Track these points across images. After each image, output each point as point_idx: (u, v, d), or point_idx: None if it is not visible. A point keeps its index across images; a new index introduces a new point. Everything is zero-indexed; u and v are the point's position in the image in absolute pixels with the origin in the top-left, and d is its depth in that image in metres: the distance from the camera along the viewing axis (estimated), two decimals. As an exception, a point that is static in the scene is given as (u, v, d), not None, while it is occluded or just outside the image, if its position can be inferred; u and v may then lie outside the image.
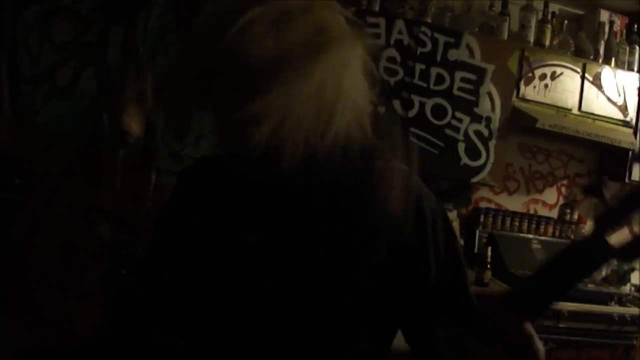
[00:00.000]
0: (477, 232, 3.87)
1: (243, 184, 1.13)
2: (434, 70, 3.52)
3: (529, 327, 0.97)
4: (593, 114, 3.89)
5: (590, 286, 3.56)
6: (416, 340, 1.16)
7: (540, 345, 0.98)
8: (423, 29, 3.50)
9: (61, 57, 3.35)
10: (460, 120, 3.57)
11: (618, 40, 4.01)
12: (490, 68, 3.62)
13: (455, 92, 3.56)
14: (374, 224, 1.07)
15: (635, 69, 3.96)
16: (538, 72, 3.75)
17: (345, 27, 1.08)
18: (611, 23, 4.01)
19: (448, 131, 3.55)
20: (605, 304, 3.50)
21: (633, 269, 3.94)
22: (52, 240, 3.14)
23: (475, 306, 1.12)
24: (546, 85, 3.77)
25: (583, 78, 3.85)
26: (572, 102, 3.85)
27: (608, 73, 3.90)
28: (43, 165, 3.21)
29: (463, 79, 3.57)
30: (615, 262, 3.80)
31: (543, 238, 3.98)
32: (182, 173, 1.27)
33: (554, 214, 4.17)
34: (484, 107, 3.62)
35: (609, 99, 3.91)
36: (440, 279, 1.10)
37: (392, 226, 1.07)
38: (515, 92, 3.72)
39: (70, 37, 3.35)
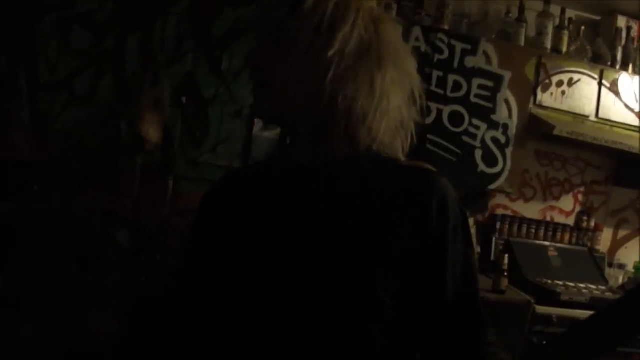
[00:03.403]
0: (494, 239, 3.85)
1: (275, 184, 1.17)
2: (451, 77, 3.51)
3: None
4: (610, 121, 3.87)
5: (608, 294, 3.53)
6: (425, 346, 1.16)
7: None
8: (440, 35, 3.50)
9: (79, 64, 3.37)
10: (477, 127, 3.56)
11: (635, 46, 3.99)
12: (507, 75, 3.61)
13: (473, 99, 3.55)
14: (398, 223, 1.07)
15: (653, 75, 3.94)
16: (555, 79, 3.73)
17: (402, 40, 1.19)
18: (628, 29, 3.99)
19: (465, 138, 3.54)
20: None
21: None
22: (70, 246, 3.16)
23: (484, 317, 1.13)
24: (563, 92, 3.76)
25: (600, 84, 3.83)
26: (589, 108, 3.83)
27: (625, 79, 3.88)
28: (61, 172, 3.23)
29: (480, 86, 3.56)
30: None
31: (560, 245, 3.96)
32: (213, 185, 1.29)
33: (571, 221, 4.15)
34: (501, 114, 3.61)
35: (626, 106, 3.89)
36: (453, 285, 1.10)
37: (415, 226, 1.07)
38: (532, 99, 3.71)
39: (88, 44, 3.37)
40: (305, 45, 1.08)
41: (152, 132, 3.03)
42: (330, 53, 1.07)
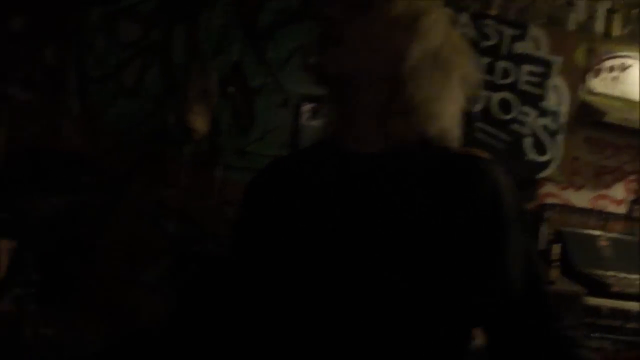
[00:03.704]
0: (543, 229, 3.78)
1: (323, 172, 1.13)
2: (500, 64, 3.46)
3: None
4: (664, 107, 3.77)
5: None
6: (491, 336, 1.13)
7: None
8: (488, 21, 3.44)
9: (127, 56, 3.40)
10: (526, 115, 3.50)
11: (690, 29, 3.87)
12: (557, 60, 3.53)
13: (522, 85, 3.49)
14: (452, 212, 1.04)
15: None
16: (606, 64, 3.65)
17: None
18: (683, 12, 3.88)
19: (514, 126, 3.48)
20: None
21: None
22: (120, 235, 3.19)
23: (551, 307, 1.09)
24: (615, 78, 3.67)
25: (653, 69, 3.73)
26: (642, 94, 3.74)
27: (679, 64, 3.78)
28: (110, 164, 3.27)
29: (529, 72, 3.50)
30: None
31: (611, 235, 3.86)
32: (259, 171, 1.27)
33: (623, 210, 4.05)
34: (551, 100, 3.54)
35: (680, 91, 3.78)
36: (516, 275, 1.06)
37: (469, 213, 1.04)
38: (583, 85, 3.62)
39: (135, 37, 3.40)
40: (390, 15, 1.06)
41: (199, 122, 3.05)
42: (411, 34, 1.05)
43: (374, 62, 1.07)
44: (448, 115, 1.09)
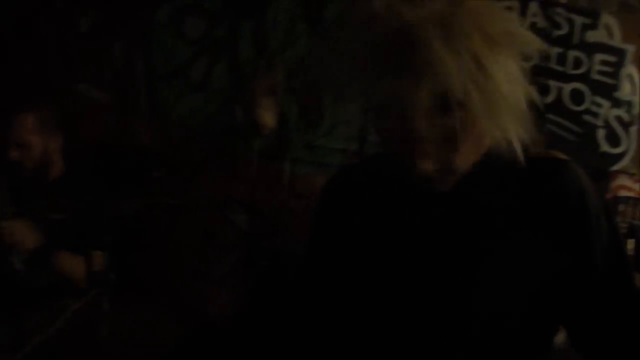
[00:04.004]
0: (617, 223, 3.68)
1: (399, 184, 1.08)
2: (571, 54, 3.37)
3: None
4: None
5: None
6: (579, 337, 1.10)
7: None
8: (558, 10, 3.36)
9: (194, 52, 3.44)
10: (599, 106, 3.40)
11: None
12: (630, 49, 3.42)
13: (594, 75, 3.39)
14: (536, 220, 1.01)
15: None
16: (682, 52, 3.52)
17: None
18: None
19: (586, 117, 3.39)
20: None
21: None
22: (190, 229, 3.23)
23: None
24: (692, 66, 3.53)
25: None
26: None
27: None
28: (180, 159, 3.31)
29: (602, 62, 3.40)
30: None
31: (687, 229, 3.74)
32: (329, 180, 1.24)
33: (699, 203, 3.91)
34: (625, 90, 3.43)
35: None
36: (605, 276, 1.03)
37: (555, 222, 1.01)
38: (658, 74, 3.51)
39: (202, 32, 3.43)
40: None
41: (267, 117, 3.05)
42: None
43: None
44: (509, 115, 0.99)
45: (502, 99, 0.91)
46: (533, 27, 3.32)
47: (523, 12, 3.27)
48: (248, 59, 3.25)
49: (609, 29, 3.42)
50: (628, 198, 3.72)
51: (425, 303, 1.03)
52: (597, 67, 3.40)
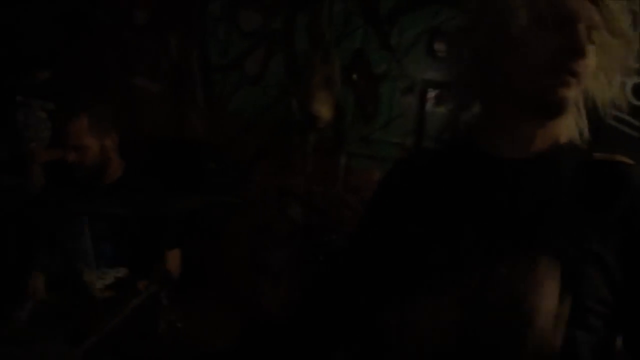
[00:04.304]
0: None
1: (461, 177, 1.07)
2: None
3: None
4: None
5: None
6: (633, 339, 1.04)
7: None
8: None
9: (249, 45, 3.44)
10: (664, 100, 3.28)
11: None
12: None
13: (660, 68, 3.27)
14: (595, 222, 0.98)
15: None
16: None
17: None
18: None
19: (652, 111, 3.28)
20: None
21: None
22: (246, 222, 3.24)
23: None
24: None
25: None
26: None
27: None
28: (235, 151, 3.31)
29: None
30: None
31: None
32: (387, 172, 1.22)
33: None
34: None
35: None
36: None
37: (616, 227, 0.98)
38: None
39: (257, 25, 3.43)
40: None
41: (323, 110, 3.03)
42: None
43: (535, 63, 0.99)
44: (585, 112, 1.05)
45: (619, 62, 1.00)
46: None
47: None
48: (304, 51, 3.23)
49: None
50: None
51: (482, 301, 0.99)
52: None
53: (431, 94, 3.03)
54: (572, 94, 0.97)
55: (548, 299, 0.95)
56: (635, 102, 3.23)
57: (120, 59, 4.00)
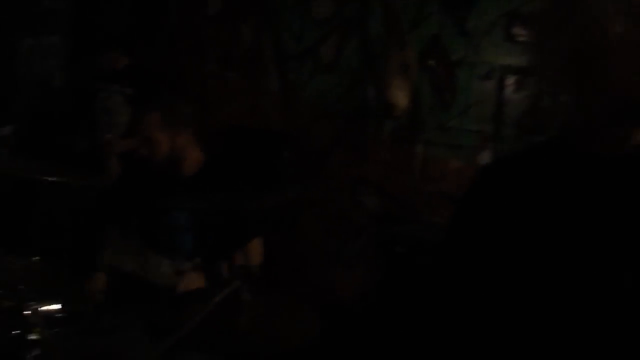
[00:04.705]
0: None
1: (557, 179, 1.01)
2: None
3: None
4: None
5: None
6: None
7: None
8: None
9: (323, 32, 3.41)
10: None
11: None
12: None
13: None
14: None
15: None
16: None
17: None
18: None
19: None
20: None
21: None
22: (320, 211, 3.23)
23: None
24: None
25: None
26: None
27: None
28: (310, 140, 3.31)
29: None
30: None
31: None
32: (483, 169, 1.17)
33: None
34: None
35: None
36: None
37: None
38: None
39: (331, 12, 3.40)
40: None
41: (400, 97, 2.99)
42: None
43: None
44: None
45: None
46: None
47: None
48: (379, 38, 3.18)
49: None
50: None
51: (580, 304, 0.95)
52: None
53: (510, 79, 2.95)
54: None
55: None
56: None
57: (195, 48, 4.05)
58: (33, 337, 1.74)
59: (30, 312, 1.80)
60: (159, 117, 2.53)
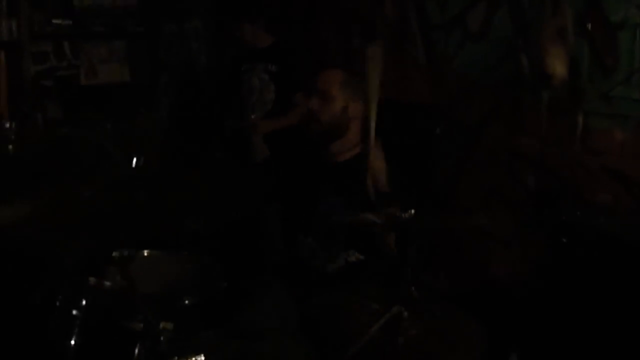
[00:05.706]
0: None
1: None
2: None
3: None
4: None
5: None
6: None
7: None
8: None
9: (471, 0, 3.28)
10: None
11: None
12: None
13: None
14: None
15: None
16: None
17: None
18: None
19: None
20: None
21: None
22: (475, 186, 3.16)
23: None
24: None
25: None
26: None
27: None
28: (462, 113, 3.22)
29: None
30: None
31: None
32: None
33: None
34: None
35: None
36: None
37: None
38: None
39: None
40: None
41: (557, 66, 2.83)
42: None
43: None
44: None
45: None
46: None
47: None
48: (531, 2, 3.01)
49: None
50: None
51: None
52: None
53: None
54: None
55: None
56: None
57: (337, 23, 4.04)
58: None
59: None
60: (340, 74, 2.53)
